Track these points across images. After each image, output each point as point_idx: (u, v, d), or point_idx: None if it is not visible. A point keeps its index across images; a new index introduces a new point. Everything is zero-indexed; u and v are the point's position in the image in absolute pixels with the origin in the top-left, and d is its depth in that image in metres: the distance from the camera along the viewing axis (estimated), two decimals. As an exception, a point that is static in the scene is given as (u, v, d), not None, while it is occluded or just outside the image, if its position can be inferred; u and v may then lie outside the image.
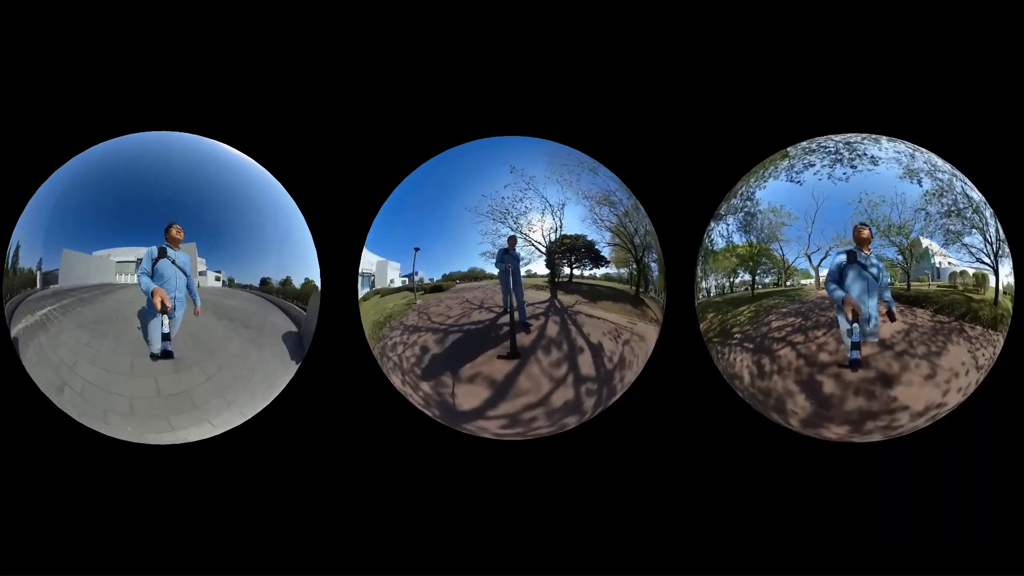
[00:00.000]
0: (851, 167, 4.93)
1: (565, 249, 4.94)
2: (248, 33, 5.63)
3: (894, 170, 4.99)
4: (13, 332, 5.19)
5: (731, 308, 4.97)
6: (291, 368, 5.30)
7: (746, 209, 5.01)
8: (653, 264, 5.27)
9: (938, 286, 5.07)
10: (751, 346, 4.98)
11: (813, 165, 4.92)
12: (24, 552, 5.48)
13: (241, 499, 5.55)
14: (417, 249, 5.08)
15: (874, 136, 5.13)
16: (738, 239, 5.07)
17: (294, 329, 5.25)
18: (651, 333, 5.14)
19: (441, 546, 5.51)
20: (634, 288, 5.04)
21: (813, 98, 5.63)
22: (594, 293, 4.99)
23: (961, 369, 5.00)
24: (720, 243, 5.16)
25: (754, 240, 5.01)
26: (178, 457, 5.50)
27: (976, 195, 5.13)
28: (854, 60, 5.63)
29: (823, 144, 5.02)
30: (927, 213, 4.90)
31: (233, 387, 5.17)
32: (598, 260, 5.00)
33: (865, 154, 4.91)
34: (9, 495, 5.51)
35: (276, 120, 5.63)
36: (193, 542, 5.51)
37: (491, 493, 5.56)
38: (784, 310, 4.97)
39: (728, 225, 5.06)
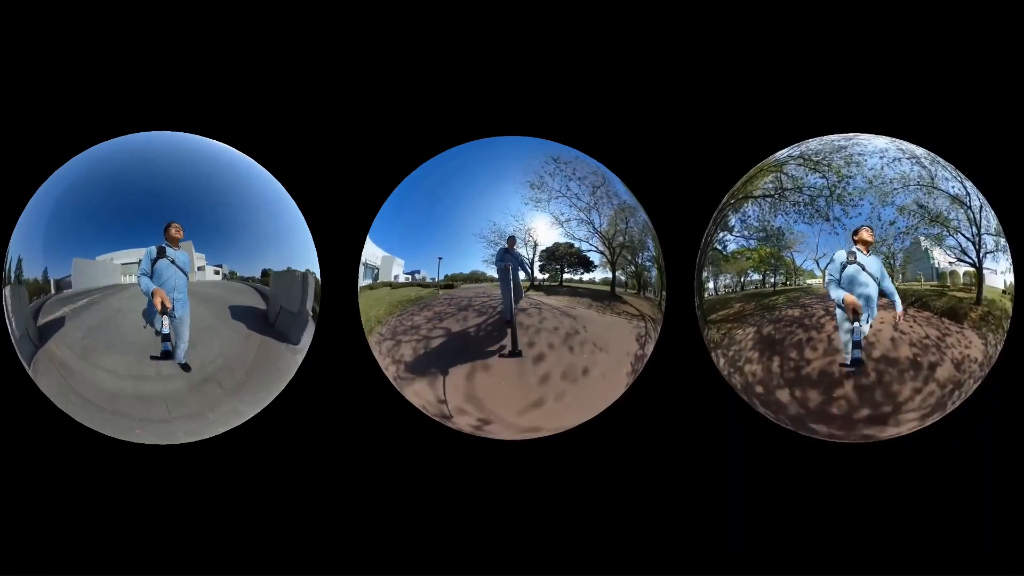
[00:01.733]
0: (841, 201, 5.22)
1: (545, 259, 5.30)
2: (248, 33, 5.63)
3: (872, 198, 5.19)
4: (48, 318, 5.20)
5: (762, 298, 5.29)
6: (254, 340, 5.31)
7: (765, 229, 5.24)
8: (649, 263, 5.36)
9: (930, 286, 5.17)
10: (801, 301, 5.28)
11: (812, 216, 5.24)
12: (24, 552, 5.48)
13: (241, 499, 5.55)
14: (440, 258, 5.28)
15: (856, 155, 5.24)
16: (755, 244, 5.25)
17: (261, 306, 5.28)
18: (607, 322, 5.33)
19: (441, 546, 5.51)
20: (610, 286, 5.33)
21: (812, 98, 5.64)
22: (558, 289, 5.33)
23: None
24: (732, 248, 5.35)
25: (769, 247, 5.26)
26: (178, 457, 5.51)
27: (950, 190, 5.19)
28: (853, 60, 5.63)
29: (809, 183, 5.24)
30: (893, 238, 5.19)
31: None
32: (587, 265, 5.32)
33: (844, 208, 5.23)
34: (10, 495, 5.51)
35: (276, 120, 5.63)
36: (193, 542, 5.51)
37: (491, 493, 5.55)
38: (809, 297, 5.27)
39: (747, 238, 5.29)
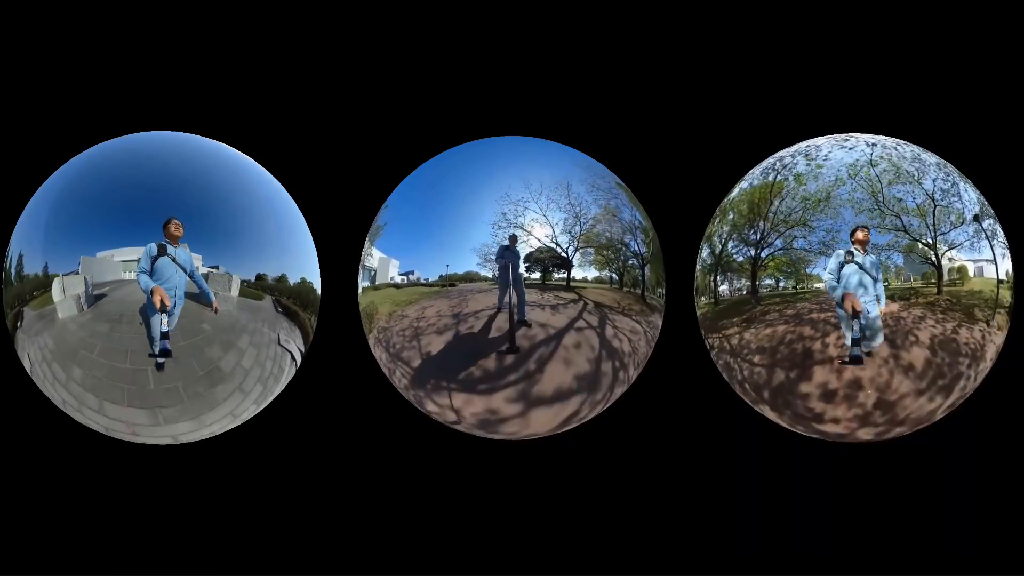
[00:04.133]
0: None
1: (531, 263, 5.46)
2: (248, 33, 5.65)
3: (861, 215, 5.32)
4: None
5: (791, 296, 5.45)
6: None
7: (786, 251, 5.39)
8: (633, 261, 5.47)
9: (925, 283, 5.25)
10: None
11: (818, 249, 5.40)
12: (24, 552, 5.48)
13: (242, 499, 5.55)
14: (448, 265, 5.34)
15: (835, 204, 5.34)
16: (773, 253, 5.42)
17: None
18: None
19: (441, 546, 5.51)
20: (566, 281, 5.48)
21: (812, 97, 5.65)
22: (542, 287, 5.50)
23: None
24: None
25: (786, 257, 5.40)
26: (178, 457, 5.51)
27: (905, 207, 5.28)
28: (853, 60, 5.65)
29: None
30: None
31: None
32: (567, 266, 5.46)
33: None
34: (9, 495, 5.52)
35: (276, 120, 5.65)
36: (192, 542, 5.51)
37: (491, 492, 5.56)
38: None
39: (772, 249, 5.40)
